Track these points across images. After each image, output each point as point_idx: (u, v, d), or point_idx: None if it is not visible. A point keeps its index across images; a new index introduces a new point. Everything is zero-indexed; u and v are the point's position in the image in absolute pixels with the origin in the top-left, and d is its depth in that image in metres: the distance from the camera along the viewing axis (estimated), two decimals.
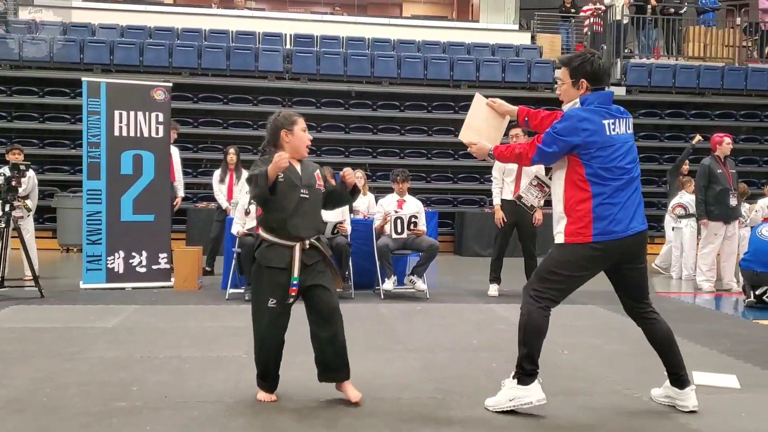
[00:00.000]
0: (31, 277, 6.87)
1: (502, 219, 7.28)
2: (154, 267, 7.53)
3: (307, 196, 3.67)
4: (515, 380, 3.57)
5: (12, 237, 6.98)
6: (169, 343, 4.97)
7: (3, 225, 6.68)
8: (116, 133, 7.38)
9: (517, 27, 16.12)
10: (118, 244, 7.39)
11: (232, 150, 8.60)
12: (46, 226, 11.67)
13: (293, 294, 3.57)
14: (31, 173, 7.60)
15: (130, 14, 14.24)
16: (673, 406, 3.67)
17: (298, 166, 3.73)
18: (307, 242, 3.62)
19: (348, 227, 7.23)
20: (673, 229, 9.77)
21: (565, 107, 3.62)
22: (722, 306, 7.53)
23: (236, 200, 7.95)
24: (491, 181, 7.59)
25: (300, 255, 3.57)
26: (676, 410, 3.63)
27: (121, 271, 7.42)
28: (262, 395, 3.73)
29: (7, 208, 6.70)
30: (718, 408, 3.70)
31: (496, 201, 7.37)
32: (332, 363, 3.68)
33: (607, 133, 3.45)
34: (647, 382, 4.16)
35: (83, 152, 7.40)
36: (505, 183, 7.32)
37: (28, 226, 7.61)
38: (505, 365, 4.50)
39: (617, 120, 3.51)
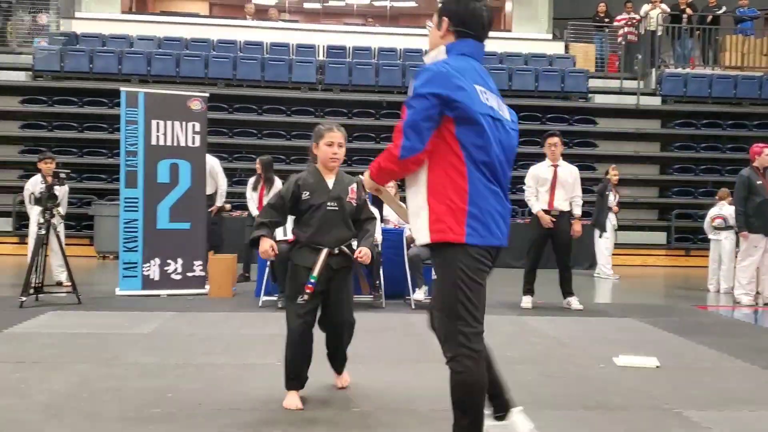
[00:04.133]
0: (70, 284, 6.99)
1: (540, 227, 7.20)
2: (189, 274, 7.61)
3: (335, 208, 3.81)
4: None
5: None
6: (203, 350, 5.01)
7: (43, 232, 6.81)
8: (153, 142, 7.50)
9: (550, 36, 16.04)
10: (154, 252, 7.49)
11: (257, 160, 8.73)
12: (83, 234, 11.89)
13: (308, 291, 3.68)
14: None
15: (167, 26, 14.50)
16: None
17: (330, 180, 3.86)
18: (336, 249, 3.79)
19: (378, 236, 7.22)
20: (710, 241, 9.62)
21: (427, 58, 2.86)
22: (762, 320, 7.36)
23: None
24: (523, 190, 7.53)
25: (325, 258, 3.73)
26: (717, 427, 3.55)
27: (156, 278, 7.51)
28: (289, 401, 3.76)
29: (47, 215, 6.83)
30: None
31: (536, 208, 7.26)
32: (334, 361, 4.11)
33: None
34: (686, 396, 4.08)
35: (121, 161, 7.53)
36: (539, 193, 7.26)
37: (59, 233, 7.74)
38: (540, 378, 4.45)
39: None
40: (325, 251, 3.74)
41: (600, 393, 4.14)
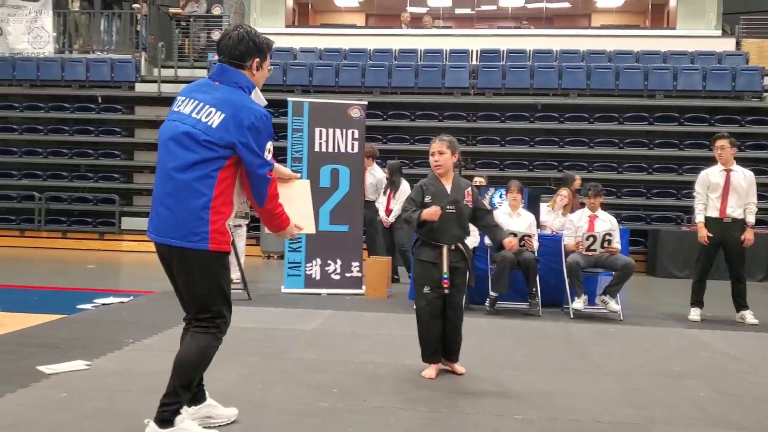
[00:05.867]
0: (240, 281, 7.45)
1: (707, 237, 6.77)
2: (347, 275, 7.91)
3: (453, 211, 4.41)
4: None
5: None
6: (362, 349, 5.18)
7: None
8: (317, 148, 7.87)
9: (719, 33, 14.99)
10: (316, 253, 7.85)
11: (387, 165, 9.04)
12: (249, 235, 12.61)
13: (446, 286, 4.36)
14: None
15: (326, 38, 15.12)
16: None
17: (448, 185, 4.47)
18: (453, 246, 4.41)
19: (535, 243, 7.11)
20: None
21: None
22: None
23: (396, 211, 8.38)
24: (692, 196, 7.11)
25: (447, 255, 4.38)
26: None
27: (317, 277, 7.87)
28: (427, 372, 4.41)
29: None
30: None
31: (699, 218, 6.86)
32: (449, 345, 4.51)
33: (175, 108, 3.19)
34: None
35: (287, 166, 7.92)
36: (710, 199, 6.81)
37: (242, 233, 8.18)
38: (713, 395, 4.18)
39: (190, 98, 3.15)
40: (445, 248, 4.36)
41: None
